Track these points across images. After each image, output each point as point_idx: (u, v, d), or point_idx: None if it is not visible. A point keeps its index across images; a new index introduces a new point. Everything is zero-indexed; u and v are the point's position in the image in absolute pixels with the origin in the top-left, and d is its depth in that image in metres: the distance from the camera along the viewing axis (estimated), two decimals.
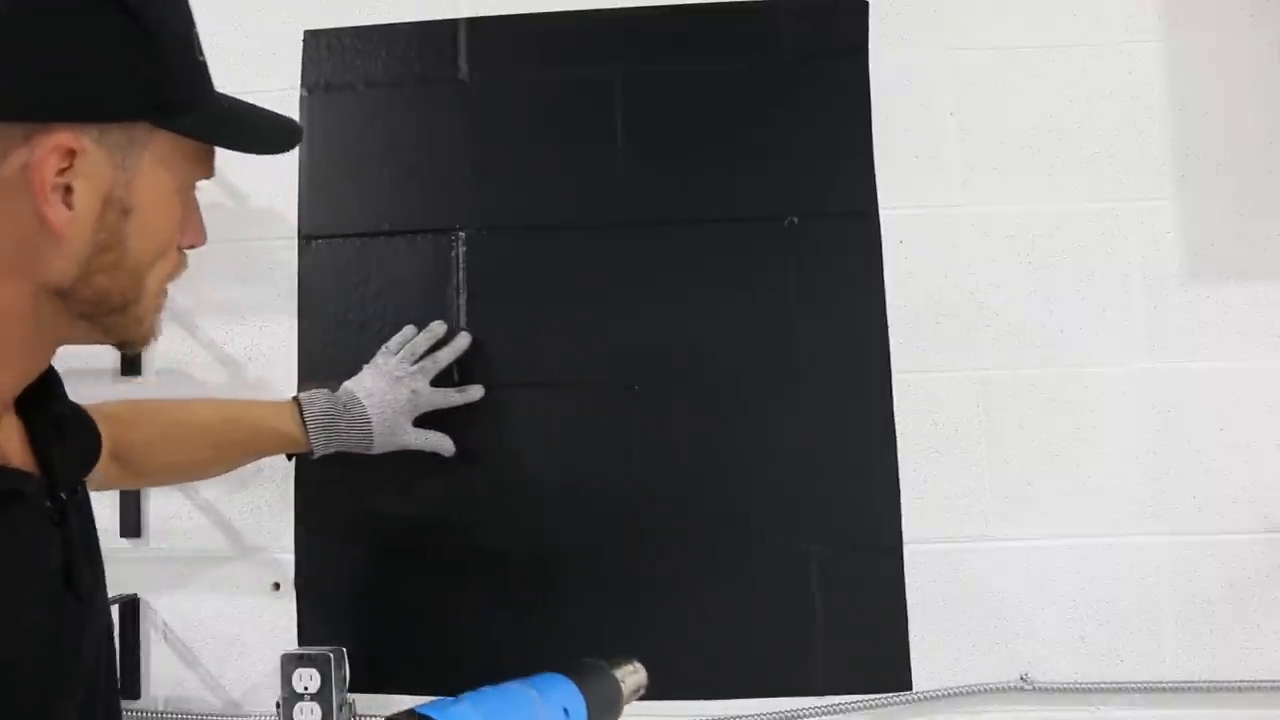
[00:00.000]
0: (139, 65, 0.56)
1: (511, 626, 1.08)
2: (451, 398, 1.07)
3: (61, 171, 0.54)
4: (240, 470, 1.06)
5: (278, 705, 1.06)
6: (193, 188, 0.65)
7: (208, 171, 0.65)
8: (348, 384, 1.05)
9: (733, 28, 1.12)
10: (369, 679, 1.09)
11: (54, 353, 0.64)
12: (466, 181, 1.13)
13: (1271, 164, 1.07)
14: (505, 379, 1.08)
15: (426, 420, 1.06)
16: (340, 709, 1.05)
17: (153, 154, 0.59)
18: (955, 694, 1.05)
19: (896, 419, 1.08)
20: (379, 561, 1.11)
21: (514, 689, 0.72)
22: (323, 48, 1.15)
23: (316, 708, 1.04)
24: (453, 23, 1.14)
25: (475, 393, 1.08)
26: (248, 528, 1.12)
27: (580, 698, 0.74)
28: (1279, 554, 1.04)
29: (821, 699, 1.06)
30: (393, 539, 1.11)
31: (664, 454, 1.08)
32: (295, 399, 1.02)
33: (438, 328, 1.09)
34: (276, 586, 1.11)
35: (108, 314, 0.61)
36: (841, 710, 1.05)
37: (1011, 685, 1.05)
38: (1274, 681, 1.03)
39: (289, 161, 1.14)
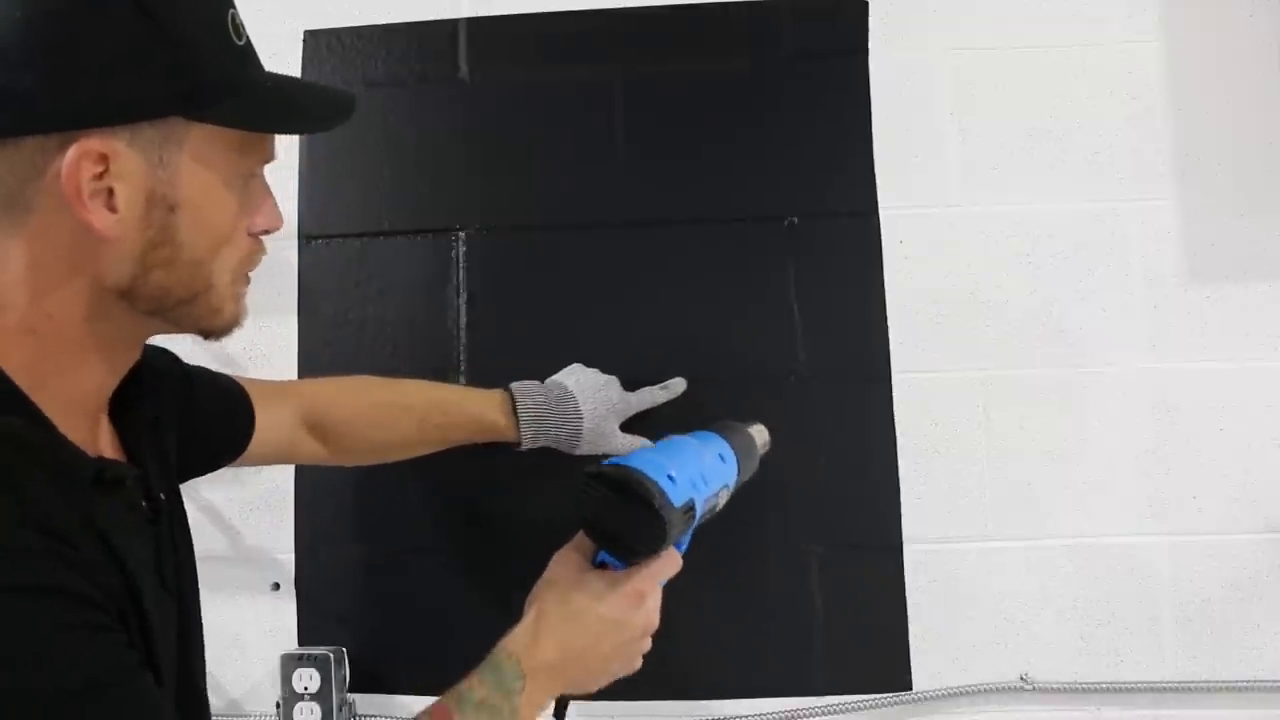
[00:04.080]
0: (156, 60, 0.55)
1: (512, 627, 1.08)
2: (658, 396, 1.05)
3: (100, 176, 0.55)
4: (240, 470, 1.05)
5: (278, 705, 1.06)
6: (252, 174, 0.63)
7: (263, 156, 0.63)
8: (557, 378, 1.04)
9: (732, 28, 1.12)
10: (369, 679, 1.09)
11: (138, 352, 0.65)
12: (466, 181, 1.13)
13: (1271, 164, 1.07)
14: (504, 380, 1.08)
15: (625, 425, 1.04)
16: (340, 709, 1.05)
17: (192, 147, 0.58)
18: (955, 694, 1.05)
19: (896, 419, 1.08)
20: (379, 561, 1.11)
21: (678, 441, 0.79)
22: (323, 48, 1.15)
23: (316, 708, 1.04)
24: (453, 23, 1.14)
25: (679, 386, 1.06)
26: (248, 528, 1.12)
27: (729, 447, 0.82)
28: (1279, 554, 1.05)
29: (821, 699, 1.06)
30: (392, 539, 1.11)
31: None
32: (507, 389, 1.01)
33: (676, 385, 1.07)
34: (276, 586, 1.11)
35: (174, 307, 0.61)
36: (841, 710, 1.05)
37: (1011, 685, 1.05)
38: (1274, 681, 1.03)
39: (289, 161, 1.14)
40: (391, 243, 1.13)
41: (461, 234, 1.12)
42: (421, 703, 1.08)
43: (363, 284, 1.13)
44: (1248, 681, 1.03)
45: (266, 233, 0.65)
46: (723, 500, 0.81)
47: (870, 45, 1.11)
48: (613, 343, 1.09)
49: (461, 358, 1.11)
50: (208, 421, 0.82)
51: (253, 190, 0.64)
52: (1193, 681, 1.04)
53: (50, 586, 0.50)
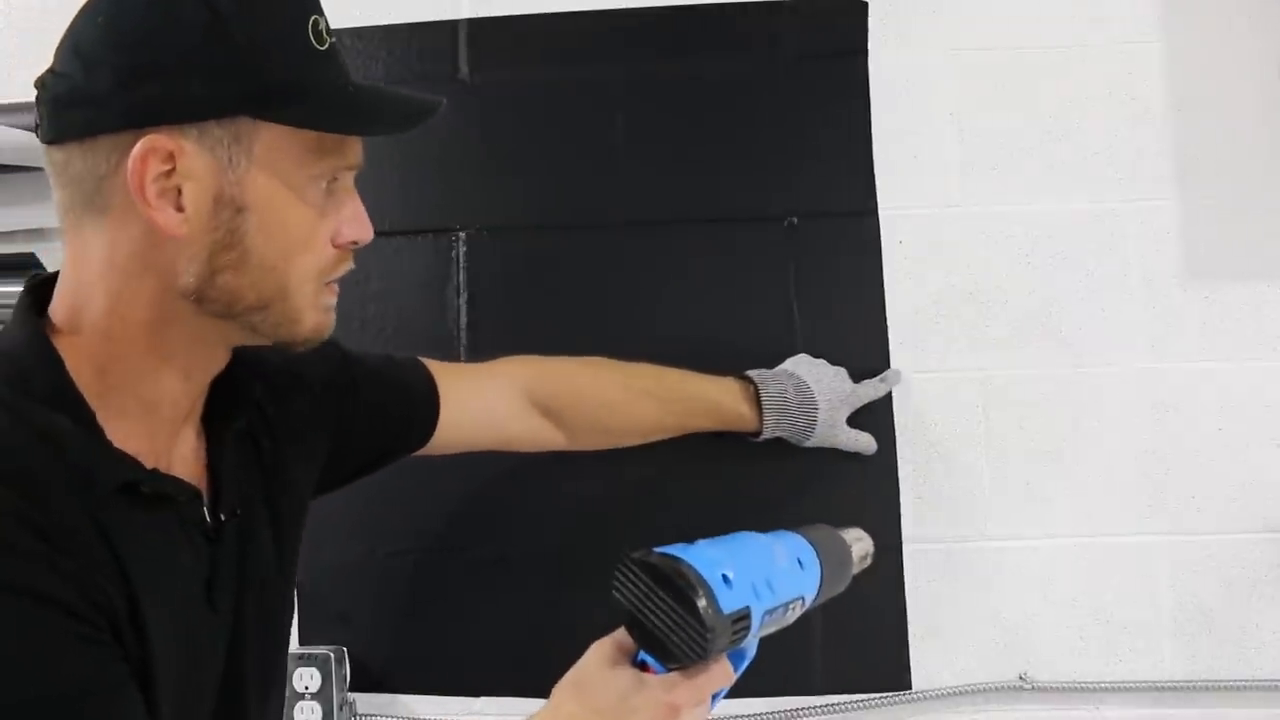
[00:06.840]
0: (225, 61, 0.55)
1: (512, 626, 1.08)
2: (879, 388, 1.05)
3: (168, 174, 0.55)
4: None
5: None
6: (332, 178, 0.61)
7: (345, 161, 0.61)
8: (785, 367, 1.03)
9: (733, 28, 1.12)
10: (369, 679, 1.09)
11: (217, 360, 0.64)
12: (466, 181, 1.13)
13: (1271, 164, 1.07)
14: None
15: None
16: (340, 709, 1.05)
17: (262, 148, 0.57)
18: (954, 694, 1.05)
19: (896, 419, 1.08)
20: (379, 561, 1.11)
21: (748, 537, 0.69)
22: None
23: (317, 707, 1.05)
24: (453, 23, 1.14)
25: (895, 378, 1.06)
26: None
27: (813, 553, 0.71)
28: (1278, 554, 1.05)
29: (821, 699, 1.06)
30: (393, 539, 1.11)
31: (664, 454, 1.08)
32: (746, 376, 1.01)
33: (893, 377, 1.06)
34: None
35: (246, 313, 0.60)
36: (841, 710, 1.05)
37: (1010, 685, 1.05)
38: (1273, 681, 1.03)
39: None
40: (391, 243, 1.13)
41: (461, 234, 1.13)
42: (422, 702, 1.10)
43: (363, 284, 1.13)
44: (1247, 680, 1.03)
45: (355, 244, 0.63)
46: (794, 614, 0.69)
47: (870, 46, 1.11)
48: (612, 343, 1.09)
49: (462, 358, 1.11)
50: (373, 414, 0.80)
51: (335, 196, 0.62)
52: (1192, 680, 1.04)
53: (34, 590, 0.49)
